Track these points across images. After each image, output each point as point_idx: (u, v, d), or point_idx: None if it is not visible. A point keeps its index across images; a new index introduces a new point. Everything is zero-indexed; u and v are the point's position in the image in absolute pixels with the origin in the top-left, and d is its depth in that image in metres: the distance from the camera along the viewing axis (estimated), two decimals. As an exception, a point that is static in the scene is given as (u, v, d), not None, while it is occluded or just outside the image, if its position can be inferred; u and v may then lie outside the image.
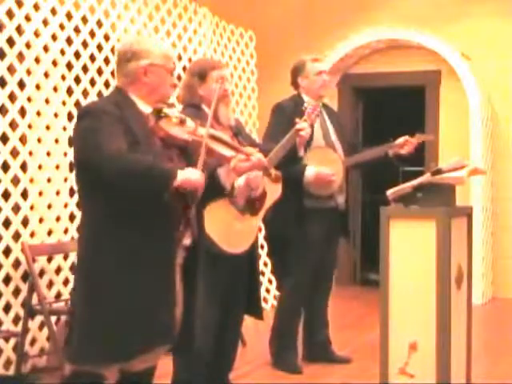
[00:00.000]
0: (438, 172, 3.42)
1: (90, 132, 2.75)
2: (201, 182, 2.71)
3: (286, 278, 4.66)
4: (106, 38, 5.20)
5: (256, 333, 5.15)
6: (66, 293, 4.72)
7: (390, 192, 3.46)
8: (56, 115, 4.75)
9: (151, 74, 2.89)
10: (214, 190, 3.21)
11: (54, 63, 4.77)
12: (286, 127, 4.19)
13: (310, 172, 4.39)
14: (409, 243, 3.36)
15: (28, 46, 4.59)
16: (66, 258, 4.76)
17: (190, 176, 2.69)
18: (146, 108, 2.89)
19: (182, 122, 2.86)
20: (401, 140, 4.66)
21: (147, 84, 2.89)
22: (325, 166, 4.42)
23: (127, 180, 2.70)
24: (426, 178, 3.43)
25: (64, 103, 4.81)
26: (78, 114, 2.93)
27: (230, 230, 3.50)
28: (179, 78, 5.59)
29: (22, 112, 4.57)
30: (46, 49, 4.71)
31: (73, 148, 2.94)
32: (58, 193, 4.73)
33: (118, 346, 2.72)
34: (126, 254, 2.74)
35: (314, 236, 4.51)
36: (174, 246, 2.83)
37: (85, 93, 4.98)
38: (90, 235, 2.82)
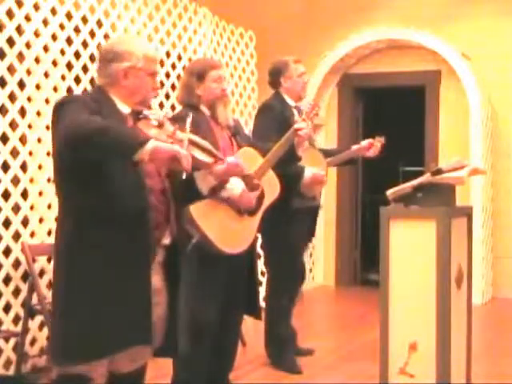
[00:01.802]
0: (438, 172, 3.41)
1: (61, 117, 2.67)
2: (176, 151, 2.55)
3: (272, 279, 4.68)
4: (106, 37, 5.19)
5: (256, 333, 5.14)
6: (65, 293, 4.72)
7: (389, 192, 3.46)
8: (56, 115, 4.74)
9: (131, 77, 2.85)
10: (191, 193, 3.23)
11: (54, 63, 4.77)
12: (277, 126, 4.23)
13: (308, 173, 4.44)
14: (409, 243, 3.35)
15: (28, 45, 4.59)
16: (65, 258, 4.75)
17: (161, 146, 2.55)
18: (125, 109, 2.87)
19: (160, 125, 2.84)
20: (365, 143, 4.85)
21: (126, 87, 2.86)
22: (313, 166, 4.49)
23: (100, 139, 2.53)
24: (425, 178, 3.42)
25: (64, 103, 4.81)
26: (52, 109, 2.82)
27: (228, 230, 3.49)
28: (179, 77, 5.61)
29: (22, 112, 4.57)
30: (46, 49, 4.71)
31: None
32: (57, 193, 4.73)
33: (93, 344, 2.67)
34: (102, 253, 2.70)
35: (299, 235, 4.57)
36: (150, 246, 2.80)
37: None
38: (66, 234, 2.76)
